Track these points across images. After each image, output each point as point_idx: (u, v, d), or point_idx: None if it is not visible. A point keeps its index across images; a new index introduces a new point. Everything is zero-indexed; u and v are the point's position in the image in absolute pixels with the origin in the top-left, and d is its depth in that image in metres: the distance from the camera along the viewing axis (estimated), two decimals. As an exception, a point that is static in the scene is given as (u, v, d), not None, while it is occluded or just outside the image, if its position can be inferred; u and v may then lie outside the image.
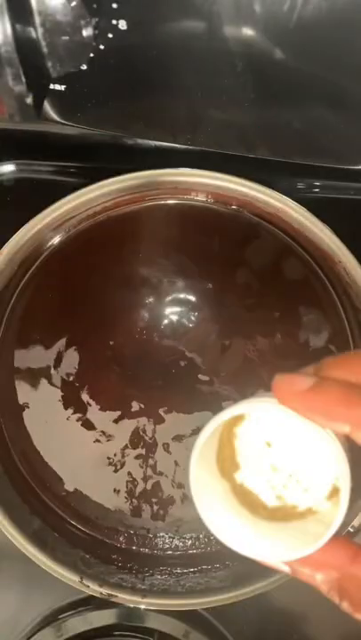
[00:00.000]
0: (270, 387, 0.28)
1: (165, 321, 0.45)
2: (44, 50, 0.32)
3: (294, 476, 0.31)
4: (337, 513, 0.28)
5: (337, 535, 0.28)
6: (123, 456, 0.45)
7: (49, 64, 0.33)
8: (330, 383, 0.27)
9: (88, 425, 0.45)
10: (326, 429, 0.28)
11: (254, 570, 0.42)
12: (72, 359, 0.45)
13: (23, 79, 0.32)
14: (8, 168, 0.47)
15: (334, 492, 0.31)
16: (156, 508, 0.46)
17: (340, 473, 0.28)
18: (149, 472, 0.45)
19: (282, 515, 0.31)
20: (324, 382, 0.27)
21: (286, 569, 0.30)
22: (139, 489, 0.46)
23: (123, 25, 0.32)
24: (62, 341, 0.45)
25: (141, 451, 0.45)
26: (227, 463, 0.32)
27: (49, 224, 0.42)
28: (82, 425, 0.45)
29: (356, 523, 0.40)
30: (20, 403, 0.46)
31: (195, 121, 0.38)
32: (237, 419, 0.31)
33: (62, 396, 0.45)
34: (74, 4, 0.31)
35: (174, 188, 0.43)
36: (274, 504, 0.32)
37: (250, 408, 0.29)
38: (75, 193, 0.41)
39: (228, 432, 0.32)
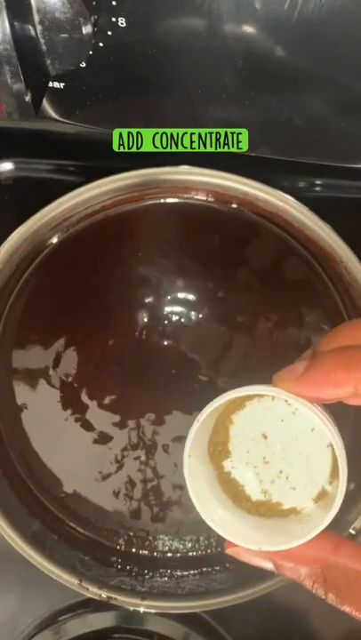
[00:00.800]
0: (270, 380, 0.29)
1: (165, 321, 0.45)
2: (43, 47, 0.32)
3: (284, 473, 0.31)
4: (328, 513, 0.28)
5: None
6: (122, 457, 0.45)
7: (48, 62, 0.33)
8: (324, 355, 0.27)
9: (87, 426, 0.45)
10: (332, 429, 0.28)
11: (254, 572, 0.42)
12: (71, 360, 0.45)
13: (22, 77, 0.32)
14: (6, 166, 0.47)
15: (322, 494, 0.31)
16: (155, 509, 0.45)
17: (340, 472, 0.28)
18: (149, 473, 0.45)
19: (265, 510, 0.32)
20: (317, 357, 0.27)
21: (269, 566, 0.30)
22: (138, 490, 0.45)
23: (122, 22, 0.32)
24: (61, 342, 0.45)
25: (141, 452, 0.45)
26: (218, 448, 0.32)
27: (47, 223, 0.41)
28: (81, 426, 0.45)
29: (357, 525, 0.40)
30: (19, 404, 0.45)
31: (195, 119, 0.37)
32: (236, 406, 0.31)
33: (61, 397, 0.45)
34: (73, 1, 0.30)
35: (174, 186, 0.43)
36: (258, 498, 0.32)
37: (259, 391, 0.29)
38: (73, 191, 0.41)
39: (224, 418, 0.32)
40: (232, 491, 0.32)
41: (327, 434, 0.28)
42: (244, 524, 0.31)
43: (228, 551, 0.31)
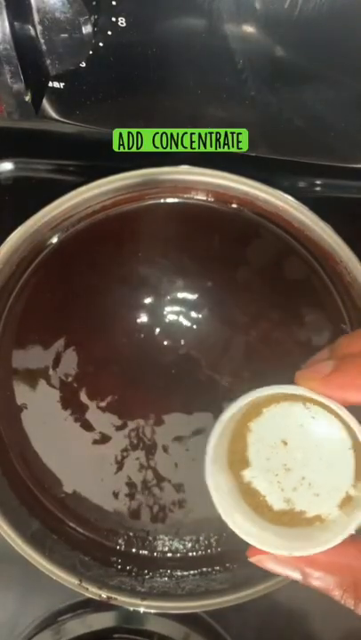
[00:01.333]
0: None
1: (165, 321, 0.45)
2: (43, 47, 0.32)
3: (307, 479, 0.30)
4: (352, 516, 0.28)
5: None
6: (122, 457, 0.45)
7: (48, 62, 0.33)
8: (350, 359, 0.27)
9: (87, 426, 0.45)
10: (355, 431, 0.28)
11: (254, 572, 0.42)
12: (71, 360, 0.45)
13: (22, 77, 0.32)
14: (6, 166, 0.47)
15: (347, 500, 0.30)
16: (155, 510, 0.45)
17: None
18: (149, 474, 0.45)
19: (288, 519, 0.31)
20: (344, 360, 0.27)
21: (297, 576, 0.29)
22: (138, 491, 0.45)
23: (122, 22, 0.32)
24: (61, 342, 0.45)
25: (141, 452, 0.45)
26: (237, 457, 0.31)
27: (47, 223, 0.41)
28: (81, 426, 0.45)
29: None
30: (19, 404, 0.45)
31: (194, 119, 0.37)
32: (254, 413, 0.31)
33: (61, 397, 0.45)
34: (73, 1, 0.30)
35: (174, 186, 0.43)
36: (281, 507, 0.31)
37: (283, 389, 0.29)
38: (73, 191, 0.41)
39: (241, 426, 0.31)
40: (253, 502, 0.31)
41: (356, 432, 0.28)
42: (268, 534, 0.30)
43: (252, 559, 0.29)
